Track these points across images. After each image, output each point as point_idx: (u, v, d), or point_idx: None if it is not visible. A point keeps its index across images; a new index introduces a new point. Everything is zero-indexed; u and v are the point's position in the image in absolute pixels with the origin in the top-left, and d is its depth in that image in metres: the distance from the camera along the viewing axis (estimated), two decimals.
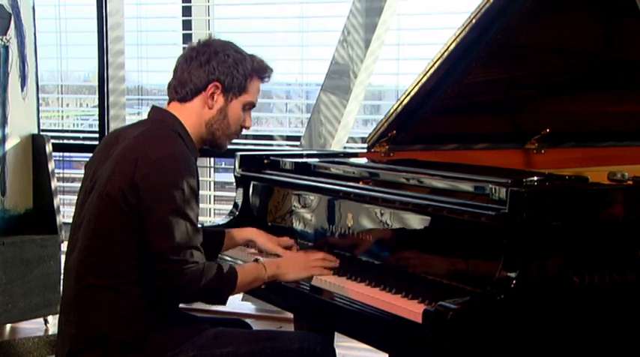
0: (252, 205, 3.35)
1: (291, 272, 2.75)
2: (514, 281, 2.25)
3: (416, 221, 2.65)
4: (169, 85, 2.71)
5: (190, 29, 5.82)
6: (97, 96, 5.77)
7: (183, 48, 5.51)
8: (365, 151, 3.46)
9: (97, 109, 5.79)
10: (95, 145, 2.72)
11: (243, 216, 3.33)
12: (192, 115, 2.67)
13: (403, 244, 2.69)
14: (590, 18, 3.23)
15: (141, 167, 2.48)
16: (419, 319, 2.33)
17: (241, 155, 3.38)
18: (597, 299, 2.33)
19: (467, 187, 2.58)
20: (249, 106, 2.75)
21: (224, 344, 2.59)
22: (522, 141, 3.59)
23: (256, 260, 2.75)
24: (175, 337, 2.56)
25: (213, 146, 2.76)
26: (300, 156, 3.39)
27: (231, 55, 2.67)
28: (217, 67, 2.65)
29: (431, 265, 2.57)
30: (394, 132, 3.38)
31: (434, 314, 2.27)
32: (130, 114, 5.96)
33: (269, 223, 3.24)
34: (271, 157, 3.36)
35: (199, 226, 2.57)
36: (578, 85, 3.44)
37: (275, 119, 6.22)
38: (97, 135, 5.83)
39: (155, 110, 2.72)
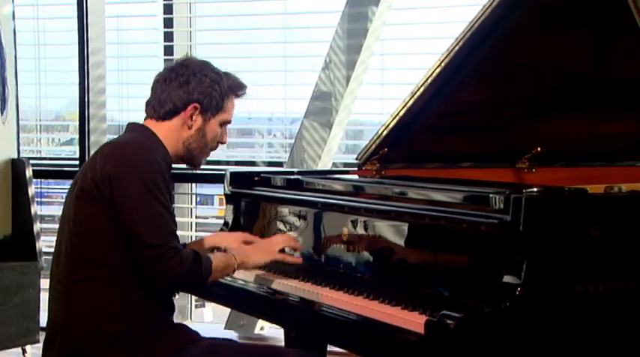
0: (243, 223, 3.32)
1: (255, 257, 2.83)
2: (519, 289, 2.24)
3: (413, 232, 2.64)
4: (147, 102, 2.77)
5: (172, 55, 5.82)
6: (69, 133, 5.70)
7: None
8: (355, 169, 3.46)
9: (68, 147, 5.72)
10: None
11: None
12: (170, 134, 2.73)
13: (401, 256, 2.68)
14: (581, 37, 3.24)
15: (111, 158, 2.55)
16: (421, 330, 2.32)
17: (232, 172, 3.38)
18: (602, 308, 2.32)
19: (464, 197, 2.57)
20: (226, 123, 2.83)
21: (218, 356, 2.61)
22: (513, 160, 3.59)
23: (225, 250, 2.85)
24: (167, 339, 2.57)
25: (190, 163, 2.82)
26: (291, 173, 3.38)
27: (208, 75, 2.74)
28: (196, 88, 2.72)
29: (430, 277, 2.55)
30: (386, 150, 3.38)
31: (437, 324, 2.25)
32: None
33: None
34: (262, 174, 3.35)
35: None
36: (570, 104, 3.44)
37: (257, 145, 6.20)
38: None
39: (132, 126, 2.77)
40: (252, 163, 5.75)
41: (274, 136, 6.23)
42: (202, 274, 2.60)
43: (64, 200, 2.76)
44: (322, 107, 5.26)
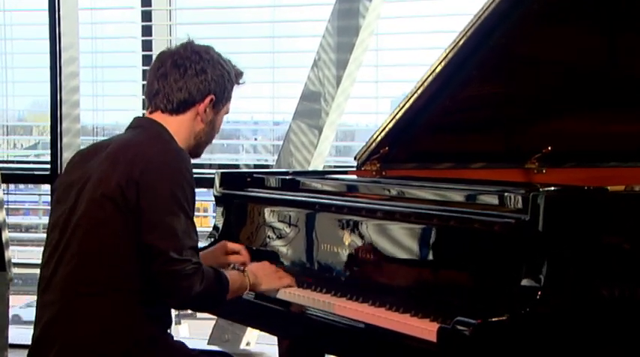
0: (234, 227, 3.31)
1: (265, 282, 2.83)
2: (539, 293, 2.24)
3: (421, 234, 2.64)
4: (154, 92, 2.70)
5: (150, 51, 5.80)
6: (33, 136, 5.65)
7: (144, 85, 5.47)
8: (354, 169, 3.45)
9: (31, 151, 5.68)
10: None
11: (224, 237, 3.26)
12: (182, 128, 2.69)
13: (409, 259, 2.68)
14: (593, 31, 3.26)
15: (139, 163, 2.49)
16: (433, 338, 2.31)
17: (222, 173, 3.36)
18: (628, 313, 2.32)
19: (476, 196, 2.58)
20: (227, 113, 2.84)
21: None
22: (522, 160, 3.60)
23: (239, 269, 2.84)
24: None
25: (193, 155, 2.78)
26: (286, 174, 3.37)
27: (220, 63, 2.72)
28: (212, 78, 2.69)
29: (441, 281, 2.55)
30: (387, 149, 3.38)
31: (451, 332, 2.25)
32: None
33: (253, 248, 3.18)
34: (255, 175, 3.34)
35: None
36: (582, 101, 3.46)
37: (241, 147, 6.19)
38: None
39: (141, 121, 2.73)
40: (236, 167, 5.74)
41: (255, 139, 6.23)
42: (222, 293, 2.60)
43: (49, 207, 2.71)
44: (312, 108, 5.26)
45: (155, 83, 2.69)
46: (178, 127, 2.68)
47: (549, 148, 3.55)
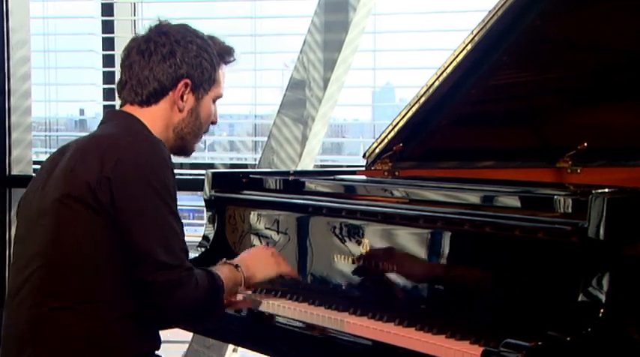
0: (228, 235, 3.26)
1: (260, 271, 2.78)
2: (601, 310, 2.20)
3: (455, 243, 2.60)
4: (122, 84, 2.67)
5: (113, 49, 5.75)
6: None
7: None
8: (363, 168, 3.42)
9: None
10: None
11: (216, 249, 3.22)
12: (157, 121, 2.65)
13: (441, 273, 2.63)
14: (636, 11, 3.24)
15: (110, 156, 2.44)
16: None
17: (214, 173, 3.30)
18: None
19: (520, 199, 2.55)
20: (219, 98, 2.78)
21: None
22: (553, 158, 3.58)
23: (225, 262, 2.76)
24: None
25: (182, 152, 2.76)
26: (287, 174, 3.32)
27: (194, 41, 2.67)
28: (184, 60, 2.64)
29: (480, 297, 2.52)
30: (400, 145, 3.34)
31: (498, 356, 2.20)
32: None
33: None
34: (251, 175, 3.29)
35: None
36: (622, 91, 3.44)
37: (216, 144, 6.14)
38: None
39: (113, 114, 2.70)
40: (211, 167, 5.69)
41: (224, 134, 6.19)
42: (218, 299, 2.56)
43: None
44: (300, 99, 5.21)
45: (122, 75, 2.68)
46: (152, 119, 2.63)
47: (585, 144, 3.53)
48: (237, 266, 2.72)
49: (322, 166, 5.43)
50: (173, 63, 2.62)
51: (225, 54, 2.75)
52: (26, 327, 2.48)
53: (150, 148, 2.49)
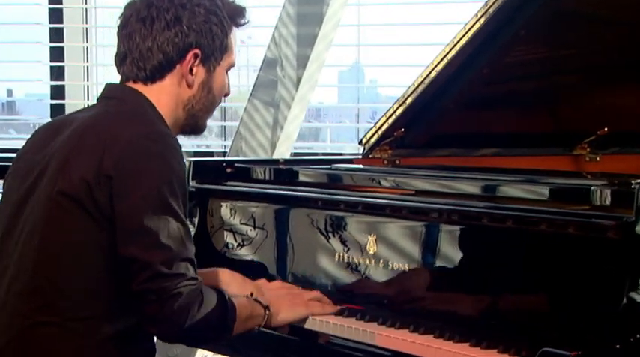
0: (210, 232, 3.23)
1: (285, 309, 2.72)
2: None
3: (476, 239, 2.59)
4: (122, 57, 2.60)
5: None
6: None
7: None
8: (360, 157, 3.41)
9: None
10: None
11: (197, 247, 3.17)
12: (165, 98, 2.58)
13: (466, 274, 2.60)
14: None
15: (111, 150, 2.38)
16: None
17: (195, 161, 3.27)
18: None
19: (550, 191, 2.52)
20: (231, 67, 2.71)
21: None
22: (569, 145, 3.58)
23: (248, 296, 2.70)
24: None
25: (194, 131, 2.71)
26: (276, 163, 3.30)
27: (201, 4, 2.58)
28: (191, 26, 2.56)
29: (509, 301, 2.49)
30: (402, 131, 3.32)
31: None
32: None
33: (235, 258, 3.14)
34: (237, 164, 3.28)
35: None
36: None
37: None
38: None
39: (113, 88, 2.62)
40: None
41: None
42: (226, 323, 2.50)
43: None
44: (275, 80, 5.16)
45: (121, 46, 2.60)
46: (158, 96, 2.56)
47: (605, 129, 3.53)
48: (267, 307, 2.65)
49: (297, 155, 5.40)
50: (179, 31, 2.54)
51: (236, 15, 2.66)
52: (6, 339, 2.43)
53: (159, 143, 2.43)
